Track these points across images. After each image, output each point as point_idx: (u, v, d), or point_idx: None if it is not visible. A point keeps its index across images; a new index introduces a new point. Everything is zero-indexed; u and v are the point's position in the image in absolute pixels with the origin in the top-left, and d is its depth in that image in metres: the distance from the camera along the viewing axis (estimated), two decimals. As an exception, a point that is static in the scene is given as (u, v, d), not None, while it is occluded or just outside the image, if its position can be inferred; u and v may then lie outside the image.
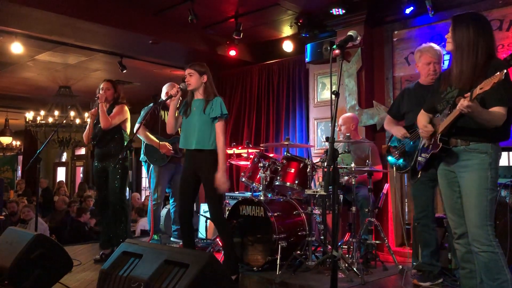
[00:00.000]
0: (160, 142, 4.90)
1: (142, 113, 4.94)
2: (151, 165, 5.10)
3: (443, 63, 4.66)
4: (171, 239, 5.24)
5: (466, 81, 2.52)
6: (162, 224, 5.25)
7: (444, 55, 4.13)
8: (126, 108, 4.70)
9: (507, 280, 2.42)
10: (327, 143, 5.47)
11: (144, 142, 5.06)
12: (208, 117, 3.63)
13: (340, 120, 4.89)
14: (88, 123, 4.69)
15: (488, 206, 2.48)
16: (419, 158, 2.85)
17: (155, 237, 5.11)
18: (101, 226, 4.70)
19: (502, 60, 2.72)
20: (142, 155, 5.14)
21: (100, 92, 4.59)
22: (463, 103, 2.30)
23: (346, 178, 4.47)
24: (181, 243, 5.01)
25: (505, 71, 2.19)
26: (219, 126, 3.64)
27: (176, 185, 4.93)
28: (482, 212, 2.47)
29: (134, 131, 4.68)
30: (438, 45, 4.26)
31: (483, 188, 2.49)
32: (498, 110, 2.43)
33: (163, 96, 5.01)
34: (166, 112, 5.07)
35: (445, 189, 2.72)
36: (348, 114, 5.07)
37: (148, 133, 4.96)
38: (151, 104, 4.95)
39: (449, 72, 2.69)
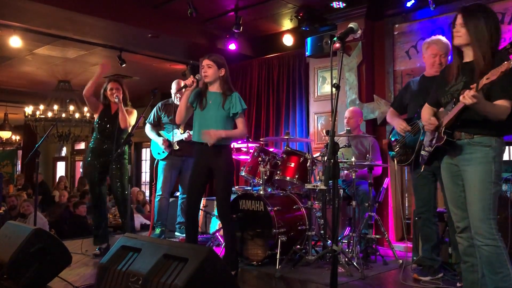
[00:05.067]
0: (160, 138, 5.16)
1: (152, 112, 5.27)
2: (158, 160, 5.23)
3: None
4: (176, 233, 5.26)
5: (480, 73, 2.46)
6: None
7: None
8: (135, 113, 4.72)
9: (509, 274, 2.40)
10: (327, 137, 5.47)
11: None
12: (226, 112, 3.61)
13: (348, 113, 4.84)
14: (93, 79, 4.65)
15: (492, 199, 2.46)
16: (422, 152, 2.83)
17: (157, 230, 5.12)
18: (95, 222, 4.69)
19: (505, 52, 2.69)
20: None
21: (108, 92, 4.61)
22: (469, 93, 2.27)
23: (345, 172, 4.46)
24: (181, 237, 5.03)
25: None
26: (241, 120, 3.67)
27: (185, 179, 4.95)
28: (485, 206, 2.45)
29: (145, 130, 5.18)
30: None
31: (487, 181, 2.46)
32: (502, 103, 2.40)
33: (173, 93, 5.09)
34: None
35: (448, 183, 2.70)
36: (355, 108, 5.04)
37: (151, 131, 5.24)
38: (159, 104, 5.28)
39: (454, 65, 2.66)
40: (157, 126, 5.24)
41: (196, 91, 3.71)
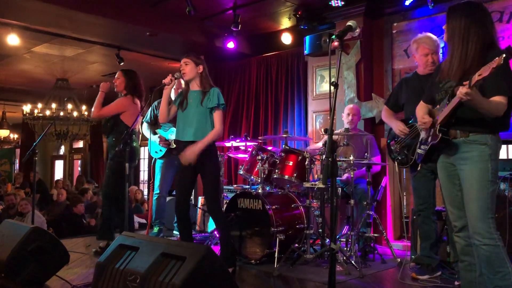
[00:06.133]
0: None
1: (148, 111, 5.18)
2: (155, 158, 5.22)
3: (441, 53, 4.64)
4: (174, 232, 5.26)
5: (456, 72, 2.49)
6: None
7: (441, 47, 4.11)
8: (127, 101, 4.49)
9: (508, 272, 2.39)
10: (325, 136, 5.46)
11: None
12: (205, 109, 3.59)
13: (350, 110, 4.80)
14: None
15: (490, 198, 2.44)
16: (418, 150, 2.82)
17: (155, 229, 5.12)
18: (100, 218, 4.68)
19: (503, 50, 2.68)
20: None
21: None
22: (462, 90, 2.25)
23: (346, 176, 4.46)
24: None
25: (504, 55, 2.13)
26: (217, 115, 3.59)
27: None
28: (483, 205, 2.44)
29: (142, 129, 5.06)
30: (437, 37, 4.23)
31: (484, 180, 2.45)
32: (498, 99, 2.38)
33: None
34: None
35: (445, 182, 2.69)
36: (354, 105, 5.02)
37: (147, 129, 5.19)
38: (156, 102, 5.19)
39: (446, 62, 2.66)
40: (154, 125, 5.23)
41: (179, 92, 3.76)
